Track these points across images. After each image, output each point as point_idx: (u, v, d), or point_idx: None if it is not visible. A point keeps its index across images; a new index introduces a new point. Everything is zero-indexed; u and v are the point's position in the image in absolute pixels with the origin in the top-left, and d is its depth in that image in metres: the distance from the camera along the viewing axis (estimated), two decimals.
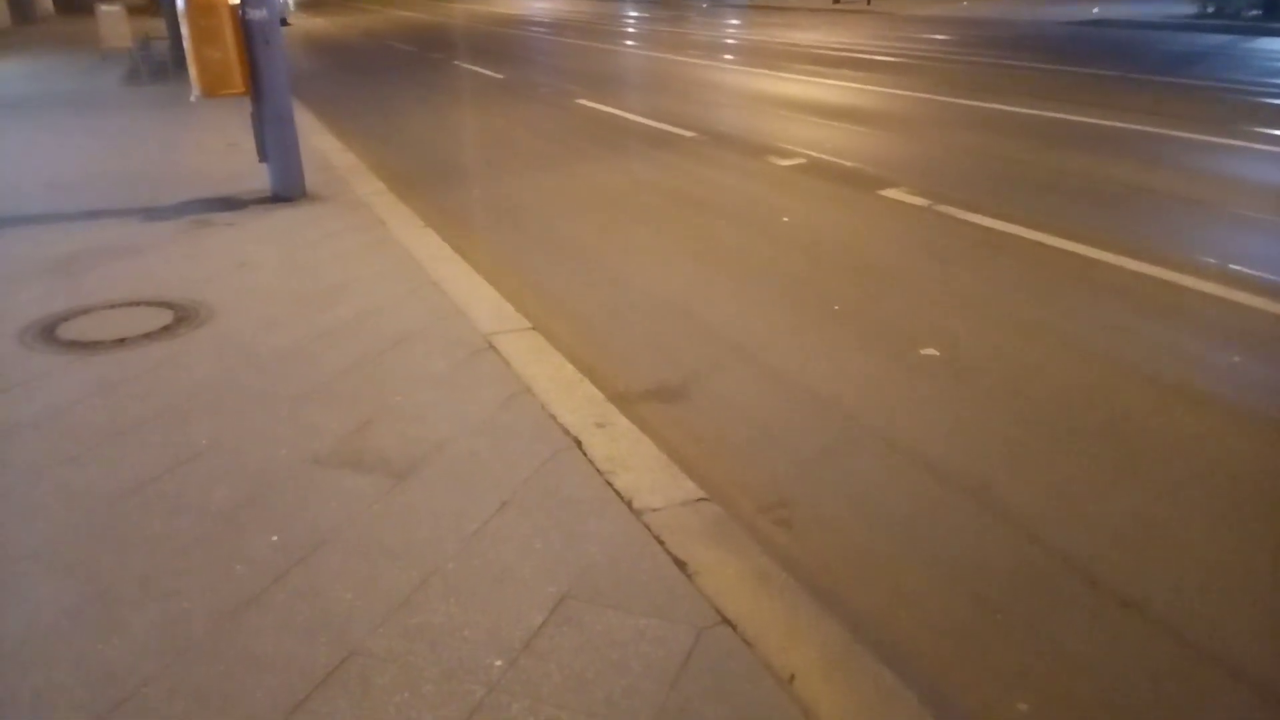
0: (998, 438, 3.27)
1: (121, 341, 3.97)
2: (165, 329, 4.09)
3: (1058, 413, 3.44)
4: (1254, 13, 20.32)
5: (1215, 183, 6.86)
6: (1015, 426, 3.35)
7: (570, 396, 3.39)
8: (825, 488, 2.98)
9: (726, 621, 2.23)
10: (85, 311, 4.33)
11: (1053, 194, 6.48)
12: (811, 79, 12.96)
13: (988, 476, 3.01)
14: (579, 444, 3.04)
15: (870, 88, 11.95)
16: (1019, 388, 3.64)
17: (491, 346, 3.83)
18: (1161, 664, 2.23)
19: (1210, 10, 21.12)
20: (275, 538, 2.57)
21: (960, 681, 2.20)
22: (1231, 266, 4.85)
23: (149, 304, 4.41)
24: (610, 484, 2.81)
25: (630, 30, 23.83)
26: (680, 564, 2.44)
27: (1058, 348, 4.00)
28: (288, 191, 6.29)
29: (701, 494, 2.77)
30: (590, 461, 2.94)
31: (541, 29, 25.14)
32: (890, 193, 6.54)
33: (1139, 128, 8.76)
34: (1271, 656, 2.25)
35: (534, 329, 4.02)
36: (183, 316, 4.22)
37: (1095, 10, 22.96)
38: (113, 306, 4.39)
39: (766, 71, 14.01)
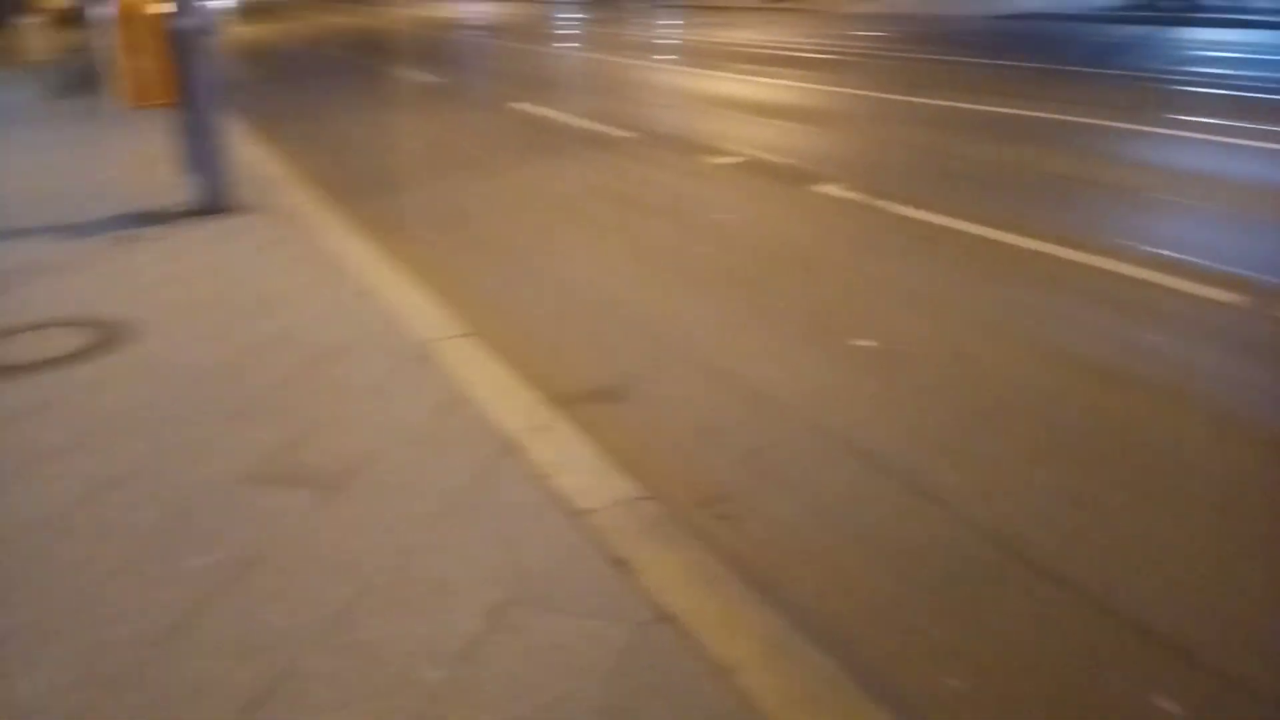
0: (932, 424, 3.33)
1: (44, 363, 3.84)
2: (89, 349, 3.97)
3: (989, 398, 3.51)
4: (1177, 4, 20.96)
5: (1139, 170, 7.06)
6: (949, 413, 3.41)
7: (508, 401, 3.37)
8: (765, 481, 3.00)
9: (668, 618, 2.23)
10: (5, 334, 4.19)
11: (985, 186, 6.61)
12: (749, 78, 13.06)
13: (923, 463, 3.06)
14: (518, 449, 3.02)
15: (806, 85, 12.08)
16: (953, 375, 3.71)
17: (428, 354, 3.79)
18: (1090, 636, 2.29)
19: (1136, 1, 21.72)
20: (206, 559, 2.51)
21: (896, 663, 2.23)
22: (1156, 251, 4.99)
23: (72, 324, 4.27)
24: (550, 487, 2.79)
25: (568, 32, 23.79)
26: (621, 563, 2.44)
27: (991, 335, 4.08)
28: (216, 204, 6.15)
29: (642, 493, 2.77)
30: (529, 466, 2.92)
31: (479, 32, 24.98)
32: (826, 188, 6.61)
33: (1067, 118, 8.98)
34: (1197, 625, 2.32)
35: (471, 335, 3.99)
36: (107, 336, 4.11)
37: (1024, 4, 23.49)
38: (35, 328, 4.25)
39: (704, 71, 14.09)
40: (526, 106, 11.09)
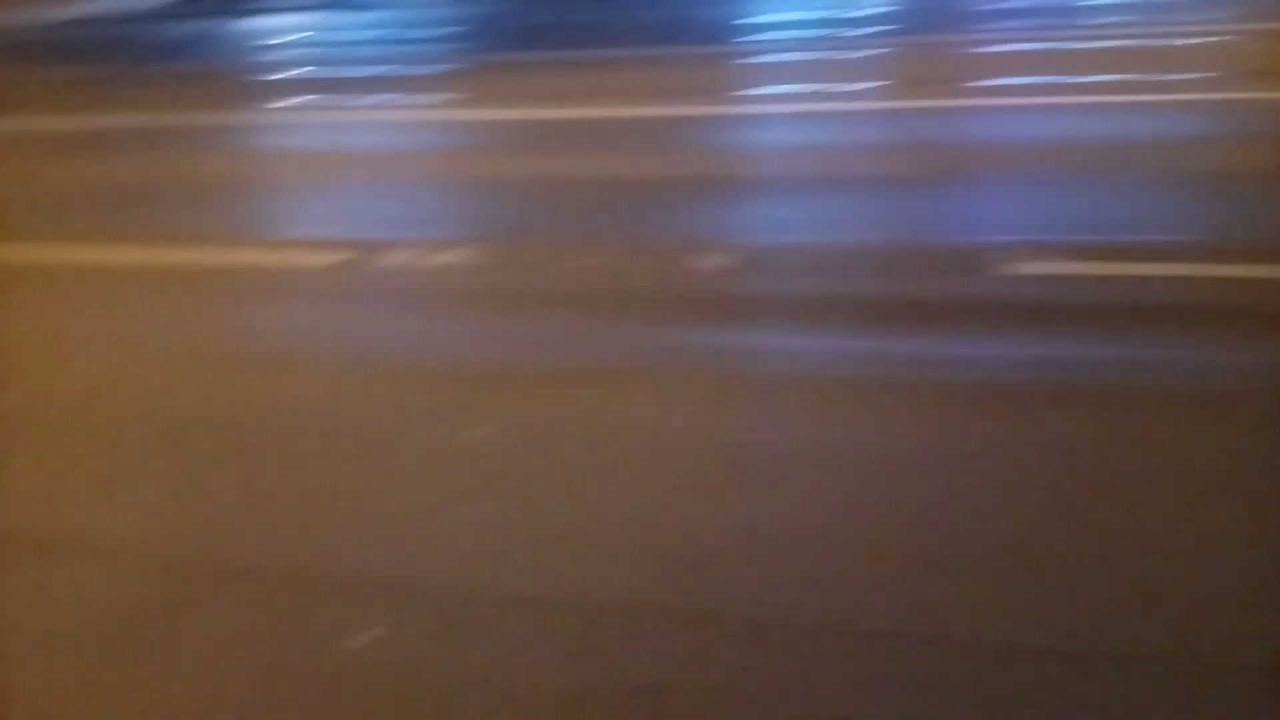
0: (98, 468, 3.09)
1: None
2: None
3: (166, 420, 3.38)
4: None
5: (242, 161, 7.33)
6: (110, 457, 3.19)
7: None
8: None
9: None
10: None
11: (93, 204, 6.12)
12: None
13: (95, 519, 2.83)
14: None
15: None
16: (114, 408, 3.48)
17: None
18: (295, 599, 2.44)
19: None
20: None
21: None
22: (279, 235, 5.33)
23: None
24: None
25: None
26: None
27: (140, 357, 3.90)
28: None
29: None
30: None
31: None
32: None
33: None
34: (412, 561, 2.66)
35: None
36: None
37: (86, 8, 21.53)
38: None
39: None
40: None
